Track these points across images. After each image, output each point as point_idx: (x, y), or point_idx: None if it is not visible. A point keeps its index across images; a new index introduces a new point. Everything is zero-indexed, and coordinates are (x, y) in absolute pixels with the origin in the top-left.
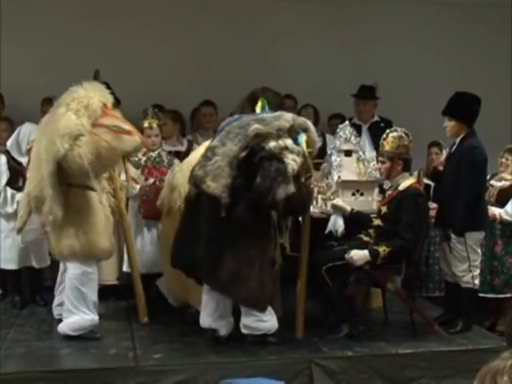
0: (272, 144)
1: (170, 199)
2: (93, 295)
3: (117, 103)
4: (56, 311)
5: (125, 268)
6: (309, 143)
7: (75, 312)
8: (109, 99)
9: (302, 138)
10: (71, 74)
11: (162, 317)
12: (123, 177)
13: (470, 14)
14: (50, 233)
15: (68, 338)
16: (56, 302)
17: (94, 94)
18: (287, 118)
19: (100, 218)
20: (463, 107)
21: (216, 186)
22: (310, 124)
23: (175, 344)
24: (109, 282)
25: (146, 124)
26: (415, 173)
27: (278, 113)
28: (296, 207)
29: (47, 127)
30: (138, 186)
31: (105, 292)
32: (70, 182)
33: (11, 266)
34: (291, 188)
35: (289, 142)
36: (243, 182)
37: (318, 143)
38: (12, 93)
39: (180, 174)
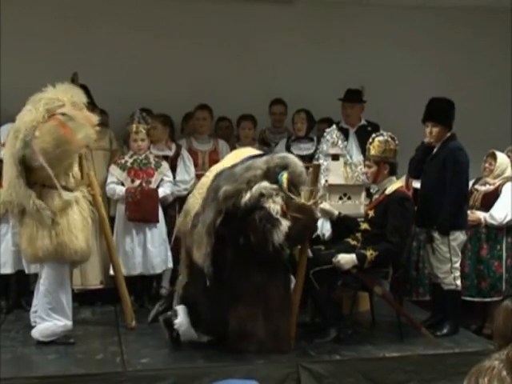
0: (245, 199)
1: (183, 224)
2: (66, 300)
3: (93, 107)
4: (33, 317)
5: (111, 272)
6: (294, 178)
7: (47, 318)
8: (80, 101)
9: (283, 177)
10: (59, 76)
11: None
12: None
13: (457, 19)
14: (21, 235)
15: (51, 343)
16: (33, 308)
17: (63, 96)
18: (259, 164)
19: (74, 219)
20: (444, 112)
21: (199, 255)
22: (289, 160)
23: (163, 349)
24: (92, 286)
25: (133, 128)
26: (403, 177)
27: (249, 161)
28: (300, 235)
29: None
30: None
31: (91, 296)
32: (42, 182)
33: (6, 270)
34: (284, 227)
35: (262, 186)
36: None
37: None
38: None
39: (192, 199)
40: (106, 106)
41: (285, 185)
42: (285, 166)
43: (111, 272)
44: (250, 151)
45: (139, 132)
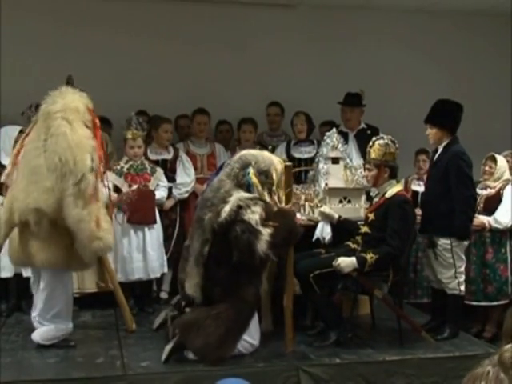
0: (225, 215)
1: None
2: (67, 304)
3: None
4: (34, 321)
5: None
6: (262, 171)
7: (47, 323)
8: (89, 103)
9: (249, 175)
10: (57, 80)
11: (149, 324)
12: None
13: (458, 22)
14: (31, 240)
15: (52, 346)
16: (34, 311)
17: (74, 98)
18: (222, 179)
19: None
20: (445, 115)
21: (188, 286)
22: (247, 156)
23: (163, 352)
24: (90, 290)
25: (129, 135)
26: (402, 180)
27: (214, 182)
28: (284, 241)
29: (50, 140)
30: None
31: (91, 300)
32: None
33: (5, 273)
34: (266, 236)
35: (238, 197)
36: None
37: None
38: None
39: None
40: (102, 109)
41: (255, 180)
42: (246, 165)
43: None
44: None
45: (136, 139)
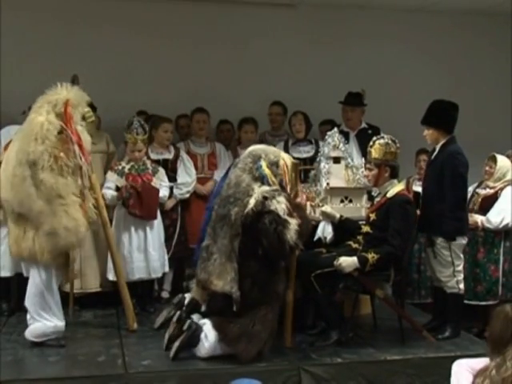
0: (251, 206)
1: None
2: (54, 301)
3: (92, 109)
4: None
5: (110, 277)
6: (272, 163)
7: (38, 318)
8: (82, 100)
9: (262, 167)
10: (58, 79)
11: (151, 324)
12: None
13: (458, 21)
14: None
15: (46, 345)
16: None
17: (65, 94)
18: (239, 174)
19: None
20: (440, 115)
21: (223, 283)
22: (256, 150)
23: (164, 351)
24: (92, 290)
25: (131, 139)
26: (404, 180)
27: (230, 179)
28: (307, 231)
29: (20, 132)
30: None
31: (92, 299)
32: None
33: (5, 273)
34: (294, 225)
35: (263, 190)
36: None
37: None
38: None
39: None
40: (103, 108)
41: (268, 172)
42: (257, 158)
43: (109, 277)
44: None
45: (137, 143)
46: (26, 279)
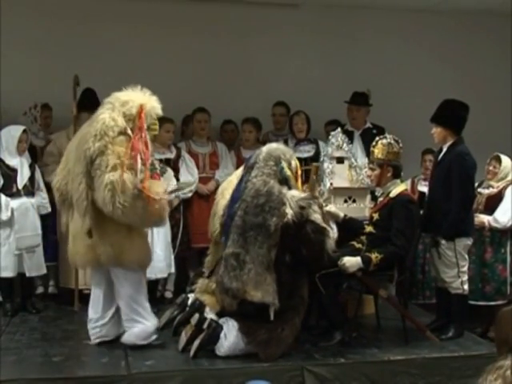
0: (290, 216)
1: (211, 225)
2: (146, 298)
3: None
4: (95, 333)
5: None
6: (289, 161)
7: (139, 320)
8: (154, 110)
9: (284, 169)
10: (58, 78)
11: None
12: None
13: (462, 21)
14: (115, 243)
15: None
16: (94, 320)
17: (141, 97)
18: (267, 180)
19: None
20: (450, 114)
21: (262, 294)
22: (277, 151)
23: (168, 351)
24: None
25: None
26: (408, 180)
27: (262, 188)
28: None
29: (83, 129)
30: None
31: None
32: None
33: (7, 273)
34: (332, 233)
35: (297, 198)
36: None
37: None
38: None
39: (222, 200)
40: None
41: (289, 174)
42: (278, 160)
43: None
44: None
45: None
46: (29, 279)
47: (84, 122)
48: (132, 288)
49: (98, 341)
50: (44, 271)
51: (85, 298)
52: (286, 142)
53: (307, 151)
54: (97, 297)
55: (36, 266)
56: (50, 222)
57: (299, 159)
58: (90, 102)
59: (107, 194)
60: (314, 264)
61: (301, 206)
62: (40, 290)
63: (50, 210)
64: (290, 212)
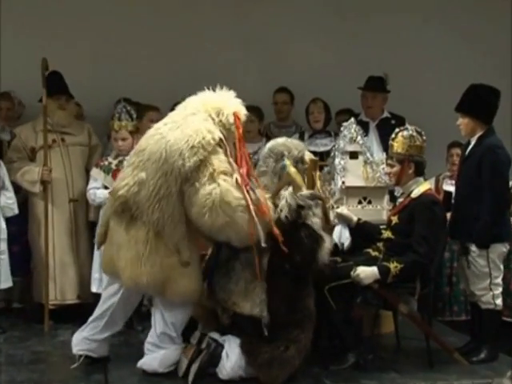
0: (283, 212)
1: None
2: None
3: (70, 98)
4: (84, 343)
5: (94, 289)
6: (297, 161)
7: (163, 346)
8: (242, 110)
9: (286, 165)
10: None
11: (139, 344)
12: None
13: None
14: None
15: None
16: (89, 330)
17: (233, 103)
18: (267, 185)
19: None
20: (479, 102)
21: (251, 305)
22: (281, 147)
23: (152, 376)
24: (69, 301)
25: (113, 126)
26: (432, 179)
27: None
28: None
29: (171, 132)
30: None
31: (69, 313)
32: None
33: (5, 284)
34: (328, 244)
35: (298, 194)
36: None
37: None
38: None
39: None
40: (87, 96)
41: (292, 170)
42: (280, 156)
43: (93, 288)
44: None
45: (119, 131)
46: None
47: (51, 109)
48: (172, 308)
49: (81, 353)
50: (10, 284)
51: (56, 315)
52: (301, 136)
53: (324, 145)
54: (104, 311)
55: (2, 277)
56: (15, 228)
57: (314, 153)
58: (56, 87)
59: (208, 204)
60: (302, 271)
61: (299, 205)
62: (1, 304)
63: (16, 212)
64: (283, 206)
